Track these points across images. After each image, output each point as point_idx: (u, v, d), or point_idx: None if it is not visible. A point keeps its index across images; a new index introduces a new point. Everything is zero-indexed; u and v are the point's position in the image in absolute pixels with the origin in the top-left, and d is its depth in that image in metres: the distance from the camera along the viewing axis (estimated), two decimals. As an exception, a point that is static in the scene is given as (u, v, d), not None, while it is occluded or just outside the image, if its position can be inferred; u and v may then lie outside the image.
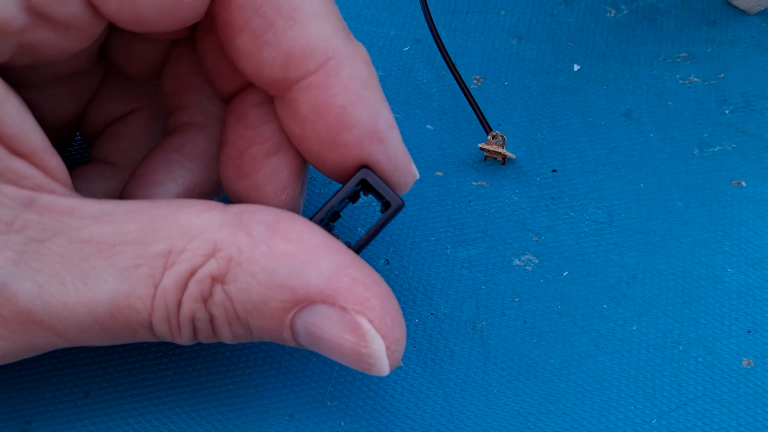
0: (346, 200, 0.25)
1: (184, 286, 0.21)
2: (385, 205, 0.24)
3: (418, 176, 0.26)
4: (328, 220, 0.25)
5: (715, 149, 0.32)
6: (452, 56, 0.34)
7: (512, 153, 0.32)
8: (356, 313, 0.22)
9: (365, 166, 0.24)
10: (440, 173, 0.32)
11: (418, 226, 0.31)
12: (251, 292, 0.21)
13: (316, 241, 0.22)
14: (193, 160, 0.27)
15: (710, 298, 0.29)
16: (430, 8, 0.34)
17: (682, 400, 0.27)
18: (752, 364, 0.27)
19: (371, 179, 0.24)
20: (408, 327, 0.28)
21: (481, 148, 0.31)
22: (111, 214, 0.21)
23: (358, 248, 0.25)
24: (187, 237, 0.21)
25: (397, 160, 0.24)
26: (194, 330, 0.22)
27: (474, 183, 0.32)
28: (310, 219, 0.24)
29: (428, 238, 0.30)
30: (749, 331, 0.28)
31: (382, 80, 0.35)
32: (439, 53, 0.34)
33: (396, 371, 0.27)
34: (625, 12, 0.37)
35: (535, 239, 0.30)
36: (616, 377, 0.27)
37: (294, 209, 0.26)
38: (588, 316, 0.28)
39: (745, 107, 0.34)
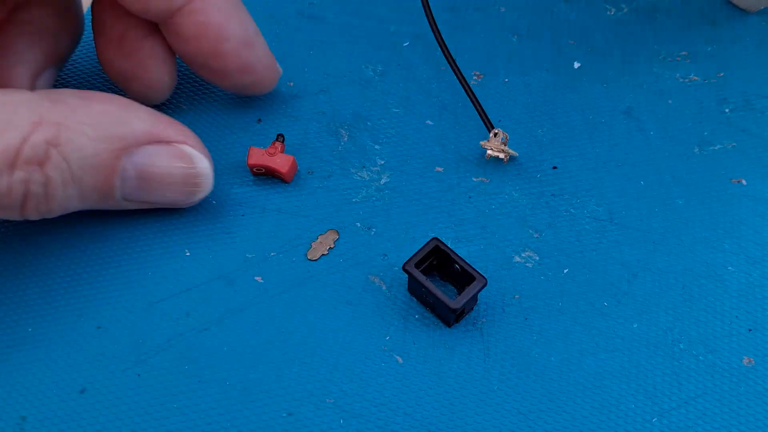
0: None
1: (16, 151, 0.23)
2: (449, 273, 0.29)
3: (281, 72, 0.32)
4: None
5: (716, 147, 0.32)
6: (452, 52, 0.34)
7: (514, 150, 0.32)
8: (179, 143, 0.27)
9: (436, 239, 0.28)
10: (440, 169, 0.32)
11: (418, 222, 0.30)
12: (84, 148, 0.25)
13: (126, 100, 0.27)
14: (45, 32, 0.30)
15: (711, 296, 0.29)
16: (431, 4, 0.34)
17: (682, 399, 0.26)
18: (753, 362, 0.27)
19: (443, 246, 0.28)
20: (409, 326, 0.28)
21: (483, 146, 0.31)
22: None
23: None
24: (10, 110, 0.24)
25: (266, 59, 0.31)
26: (26, 196, 0.24)
27: (474, 179, 0.32)
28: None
29: (428, 234, 0.30)
30: (750, 330, 0.28)
31: (382, 75, 0.35)
32: (439, 49, 0.34)
33: (396, 368, 0.27)
34: (625, 10, 0.37)
35: (535, 236, 0.30)
36: (617, 375, 0.27)
37: (172, 83, 0.32)
38: (588, 313, 0.28)
39: (745, 106, 0.34)
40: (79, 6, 0.32)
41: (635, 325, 0.28)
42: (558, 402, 0.26)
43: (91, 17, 0.31)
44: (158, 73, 0.31)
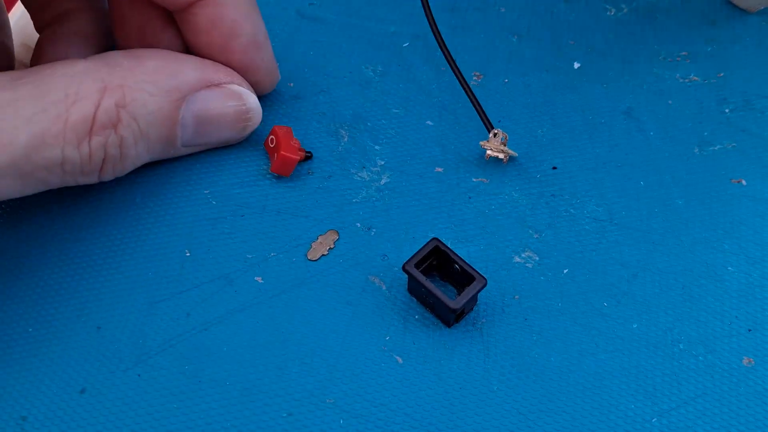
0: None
1: (92, 118, 0.25)
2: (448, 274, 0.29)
3: (279, 78, 0.33)
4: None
5: (716, 148, 0.32)
6: (452, 53, 0.34)
7: (513, 150, 0.32)
8: (229, 84, 0.30)
9: (435, 239, 0.28)
10: (440, 169, 0.32)
11: (418, 223, 0.30)
12: (148, 104, 0.27)
13: (172, 53, 0.29)
14: (91, 39, 0.31)
15: (711, 296, 0.29)
16: (431, 5, 0.34)
17: (682, 399, 0.26)
18: (753, 362, 0.27)
19: (443, 247, 0.28)
20: (409, 326, 0.28)
21: (483, 146, 0.31)
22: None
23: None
24: (76, 82, 0.25)
25: (270, 63, 0.32)
26: (104, 159, 0.26)
27: (474, 179, 0.32)
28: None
29: (428, 235, 0.30)
30: (750, 330, 0.28)
31: (382, 76, 0.35)
32: (439, 50, 0.34)
33: (396, 368, 0.27)
34: (625, 10, 0.37)
35: (535, 236, 0.30)
36: (617, 375, 0.27)
37: None
38: (588, 314, 0.28)
39: (745, 106, 0.34)
40: None
41: (635, 326, 0.28)
42: (558, 402, 0.26)
43: (110, 11, 0.31)
44: None
